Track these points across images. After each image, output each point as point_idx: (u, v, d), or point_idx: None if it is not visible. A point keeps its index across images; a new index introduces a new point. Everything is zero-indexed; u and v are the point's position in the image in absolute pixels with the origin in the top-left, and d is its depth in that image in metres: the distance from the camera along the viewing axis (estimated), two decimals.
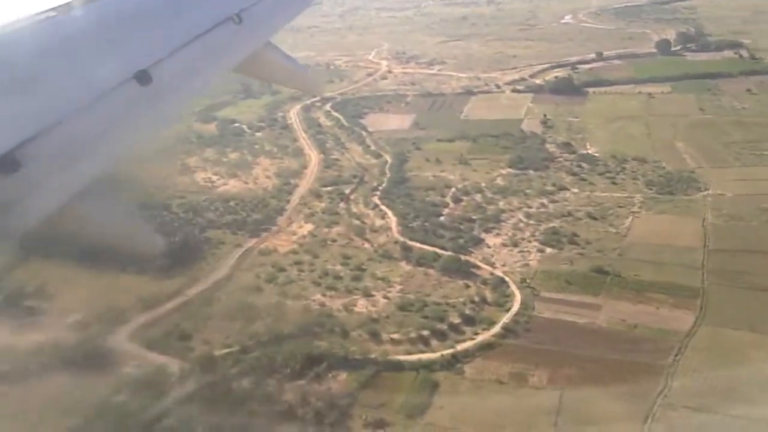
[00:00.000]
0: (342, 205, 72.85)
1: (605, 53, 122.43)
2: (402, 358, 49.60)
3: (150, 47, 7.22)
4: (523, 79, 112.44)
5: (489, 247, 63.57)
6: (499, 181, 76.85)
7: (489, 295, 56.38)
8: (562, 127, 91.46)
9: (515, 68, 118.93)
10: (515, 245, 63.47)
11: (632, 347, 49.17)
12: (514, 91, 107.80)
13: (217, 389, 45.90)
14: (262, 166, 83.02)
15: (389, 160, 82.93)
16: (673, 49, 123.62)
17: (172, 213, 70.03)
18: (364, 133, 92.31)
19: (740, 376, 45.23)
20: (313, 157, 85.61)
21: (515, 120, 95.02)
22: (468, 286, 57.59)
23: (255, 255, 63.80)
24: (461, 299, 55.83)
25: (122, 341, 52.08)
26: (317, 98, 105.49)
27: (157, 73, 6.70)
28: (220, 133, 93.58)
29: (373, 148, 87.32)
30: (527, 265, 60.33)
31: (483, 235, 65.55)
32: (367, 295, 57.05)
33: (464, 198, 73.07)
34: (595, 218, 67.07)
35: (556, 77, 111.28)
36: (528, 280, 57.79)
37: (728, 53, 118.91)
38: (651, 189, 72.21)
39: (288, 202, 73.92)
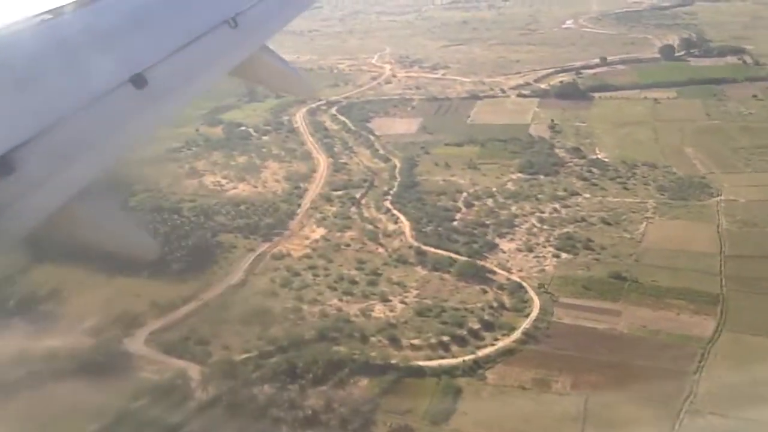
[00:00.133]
0: (353, 209, 72.45)
1: (609, 58, 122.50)
2: (423, 363, 49.29)
3: (146, 51, 7.25)
4: (527, 84, 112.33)
5: (504, 252, 63.33)
6: (510, 185, 76.62)
7: (507, 300, 56.15)
8: (570, 132, 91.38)
9: (519, 73, 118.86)
10: (530, 250, 63.24)
11: (655, 353, 48.98)
12: (519, 95, 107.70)
13: (239, 395, 45.45)
14: (271, 170, 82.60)
15: (398, 165, 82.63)
16: (676, 54, 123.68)
17: (183, 217, 69.53)
18: (371, 137, 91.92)
19: (766, 382, 45.04)
20: (322, 160, 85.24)
21: (522, 125, 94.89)
22: (485, 292, 57.36)
23: (268, 259, 63.38)
24: (479, 304, 55.57)
25: (139, 346, 51.62)
26: (323, 102, 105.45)
27: (153, 77, 6.74)
28: (226, 137, 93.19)
29: (381, 152, 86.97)
30: (543, 270, 60.11)
31: (497, 240, 65.31)
32: (384, 300, 56.71)
33: (476, 203, 72.80)
34: (608, 223, 66.92)
35: (561, 82, 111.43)
36: (545, 286, 57.57)
37: (731, 59, 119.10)
38: (663, 194, 72.14)
39: (299, 206, 73.50)
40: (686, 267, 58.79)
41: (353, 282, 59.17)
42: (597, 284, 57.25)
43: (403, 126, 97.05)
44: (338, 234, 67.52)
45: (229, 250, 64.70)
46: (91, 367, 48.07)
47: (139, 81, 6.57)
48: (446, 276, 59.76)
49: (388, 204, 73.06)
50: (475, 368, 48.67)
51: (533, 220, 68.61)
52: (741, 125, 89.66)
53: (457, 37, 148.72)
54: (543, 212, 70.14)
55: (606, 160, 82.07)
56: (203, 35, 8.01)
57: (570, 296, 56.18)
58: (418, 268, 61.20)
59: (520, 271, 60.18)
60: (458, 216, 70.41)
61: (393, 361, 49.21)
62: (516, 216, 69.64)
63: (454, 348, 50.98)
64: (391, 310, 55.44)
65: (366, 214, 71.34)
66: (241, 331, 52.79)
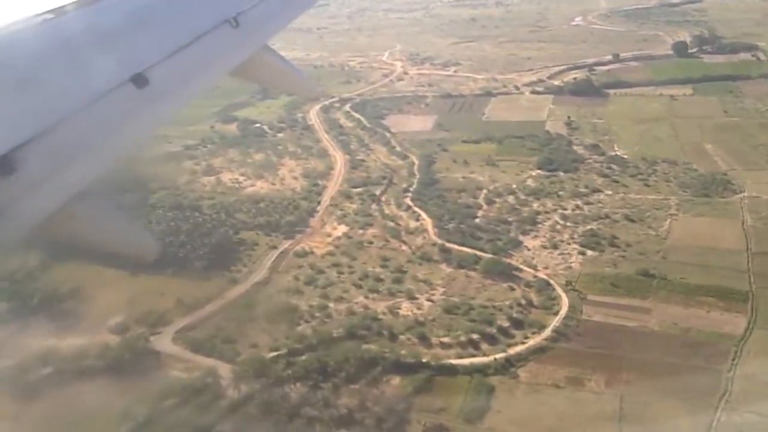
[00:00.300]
0: (374, 206, 72.01)
1: (621, 55, 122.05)
2: (454, 361, 48.94)
3: (147, 50, 7.22)
4: (541, 81, 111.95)
5: (528, 250, 62.95)
6: (530, 182, 76.22)
7: (535, 298, 55.77)
8: (587, 128, 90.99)
9: (531, 70, 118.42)
10: (555, 247, 62.86)
11: (688, 351, 48.64)
12: (533, 92, 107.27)
13: (271, 394, 45.05)
14: (288, 167, 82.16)
15: (416, 162, 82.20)
16: (689, 51, 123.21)
17: (204, 214, 69.07)
18: (387, 134, 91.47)
19: None
20: (338, 158, 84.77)
21: (538, 121, 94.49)
22: (512, 289, 56.99)
23: (291, 257, 63.00)
24: (507, 302, 55.18)
25: (166, 344, 51.25)
26: (335, 99, 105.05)
27: (154, 77, 6.73)
28: (242, 134, 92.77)
29: (398, 149, 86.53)
30: (569, 267, 59.72)
31: (521, 237, 64.92)
32: (411, 297, 56.33)
33: (497, 200, 72.40)
34: (632, 220, 66.54)
35: (575, 79, 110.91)
36: (573, 283, 57.17)
37: (744, 55, 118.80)
38: (686, 191, 71.75)
39: (318, 203, 73.11)
40: (713, 264, 58.41)
41: (378, 279, 58.77)
42: (625, 281, 56.85)
43: (419, 123, 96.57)
44: (360, 231, 67.10)
45: (251, 247, 64.33)
46: (118, 365, 47.83)
47: (140, 81, 6.55)
48: (472, 273, 59.37)
49: (408, 201, 72.64)
50: (507, 366, 48.33)
51: (556, 217, 68.20)
52: (759, 122, 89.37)
53: (466, 35, 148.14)
54: (565, 209, 69.73)
55: (625, 156, 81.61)
56: (204, 35, 8.02)
57: (598, 294, 55.77)
58: (443, 266, 60.80)
59: (546, 268, 59.79)
60: (480, 213, 70.00)
61: (424, 360, 48.84)
62: (538, 213, 69.22)
63: (485, 346, 50.60)
64: (419, 308, 55.05)
65: (387, 212, 70.89)
66: (269, 329, 52.44)
